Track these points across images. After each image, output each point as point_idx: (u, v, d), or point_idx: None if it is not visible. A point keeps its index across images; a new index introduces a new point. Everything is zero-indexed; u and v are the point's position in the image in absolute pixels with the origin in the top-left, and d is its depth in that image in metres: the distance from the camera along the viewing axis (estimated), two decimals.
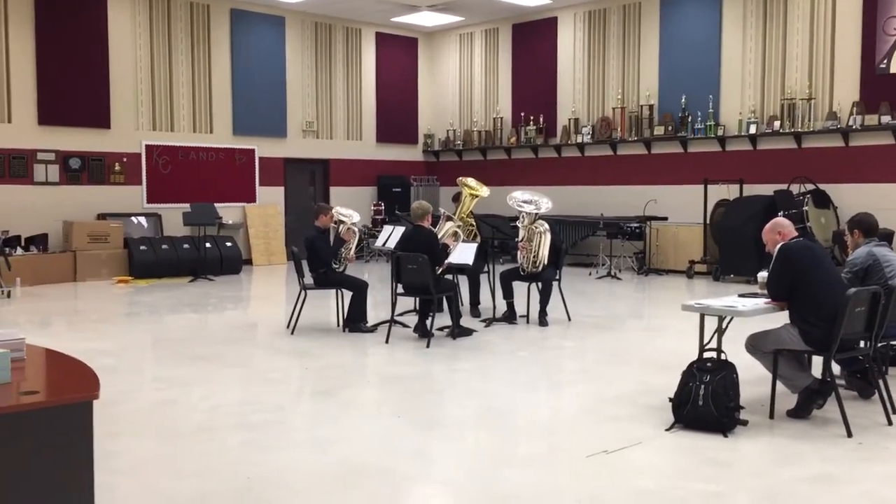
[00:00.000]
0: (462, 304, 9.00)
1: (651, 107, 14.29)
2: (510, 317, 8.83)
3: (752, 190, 12.70)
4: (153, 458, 4.61)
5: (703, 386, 4.90)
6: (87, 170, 13.64)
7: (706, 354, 5.19)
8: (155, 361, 7.55)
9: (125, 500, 3.96)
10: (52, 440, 2.75)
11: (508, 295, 8.80)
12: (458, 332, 8.01)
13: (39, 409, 2.74)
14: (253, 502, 3.94)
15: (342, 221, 8.74)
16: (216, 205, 14.29)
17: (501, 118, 16.67)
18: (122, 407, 5.59)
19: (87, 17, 13.53)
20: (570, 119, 15.45)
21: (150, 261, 13.23)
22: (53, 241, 13.09)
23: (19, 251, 12.33)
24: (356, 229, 8.81)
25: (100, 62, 13.64)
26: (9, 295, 11.02)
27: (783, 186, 12.21)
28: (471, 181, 9.91)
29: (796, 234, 5.36)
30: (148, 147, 14.29)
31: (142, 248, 13.31)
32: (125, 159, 14.03)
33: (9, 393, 2.84)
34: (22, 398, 2.79)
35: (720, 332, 5.27)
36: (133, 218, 14.04)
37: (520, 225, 8.84)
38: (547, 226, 8.72)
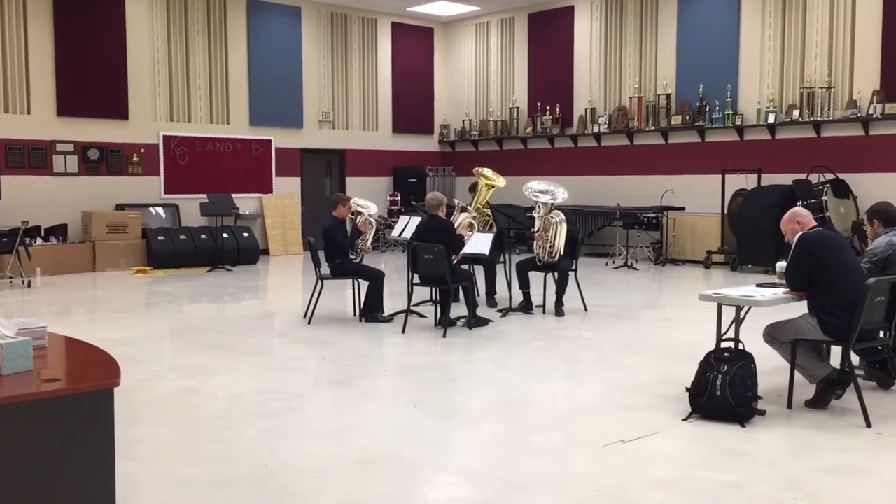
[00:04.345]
0: (478, 294, 9.01)
1: (668, 96, 14.20)
2: (526, 307, 8.82)
3: (770, 179, 12.61)
4: (173, 446, 4.65)
5: (720, 376, 4.89)
6: (105, 160, 13.73)
7: (724, 344, 5.18)
8: (174, 350, 7.60)
9: (145, 487, 4.00)
10: (73, 427, 2.78)
11: (524, 285, 8.79)
12: (474, 321, 8.02)
13: (61, 396, 2.77)
14: (272, 489, 3.98)
15: (360, 212, 8.76)
16: (233, 195, 14.38)
17: (517, 108, 16.62)
18: (141, 395, 5.65)
19: (105, 8, 13.59)
20: (586, 108, 15.38)
21: (168, 251, 13.32)
22: (73, 231, 13.20)
23: (39, 241, 12.44)
24: (373, 221, 8.83)
25: (118, 53, 13.71)
26: (29, 285, 11.14)
27: (802, 176, 12.11)
28: (487, 171, 9.91)
29: (815, 223, 5.32)
30: (165, 138, 14.36)
31: (160, 238, 13.40)
32: (143, 150, 14.11)
33: (31, 380, 2.87)
34: (44, 385, 2.82)
35: (738, 322, 5.25)
36: (151, 208, 14.13)
37: (536, 215, 8.83)
38: (563, 216, 8.71)
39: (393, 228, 9.67)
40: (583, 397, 5.80)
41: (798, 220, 5.29)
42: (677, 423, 4.94)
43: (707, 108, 13.63)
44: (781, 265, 5.49)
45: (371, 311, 8.42)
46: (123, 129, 13.89)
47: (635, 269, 12.87)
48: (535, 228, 8.82)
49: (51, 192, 13.13)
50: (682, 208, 13.69)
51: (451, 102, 18.03)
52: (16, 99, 12.85)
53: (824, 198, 11.48)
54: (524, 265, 8.82)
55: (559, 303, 8.72)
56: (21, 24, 12.83)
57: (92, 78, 13.42)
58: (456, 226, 8.60)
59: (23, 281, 11.16)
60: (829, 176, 12.06)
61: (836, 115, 12.23)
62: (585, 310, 8.91)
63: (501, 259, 9.51)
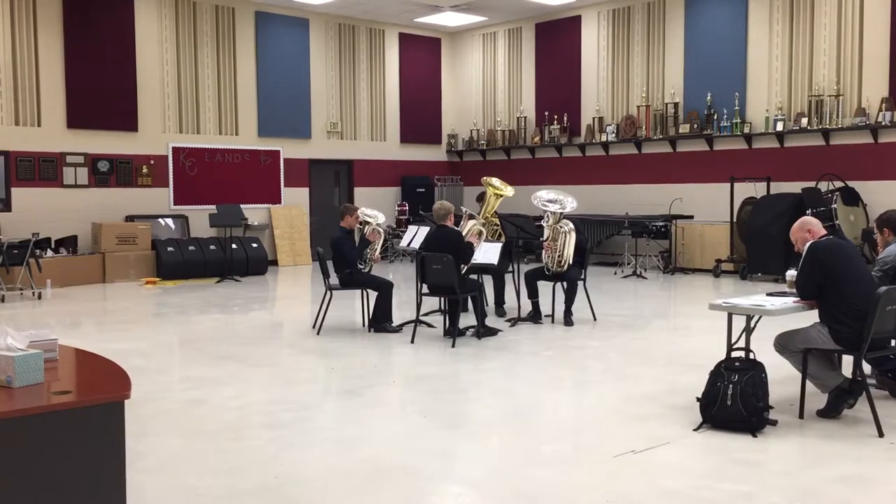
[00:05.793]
0: (487, 304, 9.00)
1: (676, 105, 14.19)
2: (535, 316, 8.81)
3: (779, 188, 12.57)
4: (182, 457, 4.65)
5: (731, 385, 4.86)
6: (115, 172, 13.79)
7: (734, 354, 5.15)
8: (183, 361, 7.61)
9: (155, 499, 4.00)
10: (84, 439, 2.78)
11: (533, 294, 8.78)
12: (483, 331, 8.01)
13: (72, 408, 2.77)
14: (280, 500, 3.97)
15: (367, 222, 8.77)
16: (242, 206, 14.43)
17: (525, 117, 16.64)
18: (151, 407, 5.65)
19: (115, 21, 13.69)
20: (594, 118, 15.39)
21: (177, 262, 13.36)
22: (82, 243, 13.26)
23: (49, 253, 12.49)
24: (381, 230, 8.83)
25: (127, 66, 13.80)
26: (39, 296, 11.18)
27: (811, 184, 12.07)
28: (495, 181, 9.90)
29: (825, 232, 5.29)
30: (175, 149, 14.42)
31: (169, 249, 13.44)
32: (152, 161, 14.18)
33: (42, 393, 2.88)
34: (54, 398, 2.82)
35: (748, 331, 5.22)
36: (160, 219, 14.19)
37: (544, 224, 8.82)
38: (572, 225, 8.69)
39: (401, 238, 9.68)
40: (592, 407, 5.77)
41: (808, 229, 5.26)
42: (688, 433, 4.92)
43: (715, 117, 13.61)
44: (792, 274, 5.46)
45: (380, 321, 8.42)
46: (133, 141, 13.96)
47: (644, 277, 12.84)
48: (544, 238, 8.81)
49: (61, 203, 13.20)
50: (691, 217, 13.66)
51: (459, 112, 18.06)
52: (26, 111, 12.93)
53: (834, 206, 11.45)
54: (533, 275, 8.80)
55: (568, 312, 8.70)
56: (31, 37, 12.92)
57: (102, 90, 13.50)
58: (465, 233, 8.59)
59: (33, 293, 11.21)
60: (839, 184, 12.02)
61: (844, 123, 12.20)
62: (594, 319, 8.89)
63: (510, 269, 9.50)
